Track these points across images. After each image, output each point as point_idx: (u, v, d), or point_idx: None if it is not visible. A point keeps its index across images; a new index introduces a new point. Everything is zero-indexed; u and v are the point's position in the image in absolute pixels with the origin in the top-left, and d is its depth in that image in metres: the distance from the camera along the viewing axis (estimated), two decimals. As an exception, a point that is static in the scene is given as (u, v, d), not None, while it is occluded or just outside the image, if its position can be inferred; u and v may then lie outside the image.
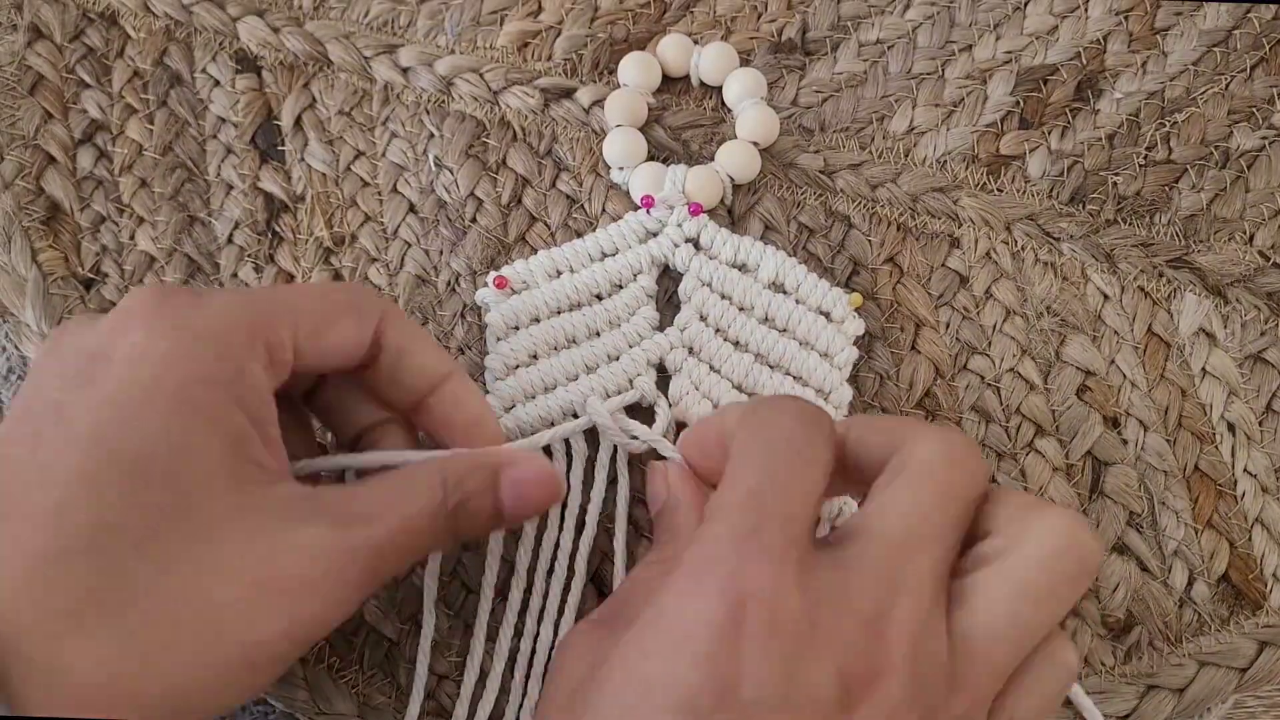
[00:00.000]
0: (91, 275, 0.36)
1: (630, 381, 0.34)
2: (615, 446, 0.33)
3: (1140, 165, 0.38)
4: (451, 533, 0.27)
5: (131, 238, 0.37)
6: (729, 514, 0.24)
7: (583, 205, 0.37)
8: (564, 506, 0.33)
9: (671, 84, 0.39)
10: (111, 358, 0.25)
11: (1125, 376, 0.35)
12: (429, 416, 0.30)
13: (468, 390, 0.30)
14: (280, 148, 0.38)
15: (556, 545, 0.32)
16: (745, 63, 0.38)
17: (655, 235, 0.36)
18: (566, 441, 0.33)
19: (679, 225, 0.36)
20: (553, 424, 0.33)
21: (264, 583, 0.24)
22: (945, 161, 0.37)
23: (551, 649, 0.31)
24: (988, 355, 0.35)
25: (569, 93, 0.38)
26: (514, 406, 0.33)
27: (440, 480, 0.27)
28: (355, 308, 0.28)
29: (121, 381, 0.24)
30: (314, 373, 0.29)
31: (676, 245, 0.35)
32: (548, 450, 0.33)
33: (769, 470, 0.24)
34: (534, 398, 0.33)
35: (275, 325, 0.26)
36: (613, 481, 0.34)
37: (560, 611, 0.32)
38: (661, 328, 0.35)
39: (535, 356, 0.34)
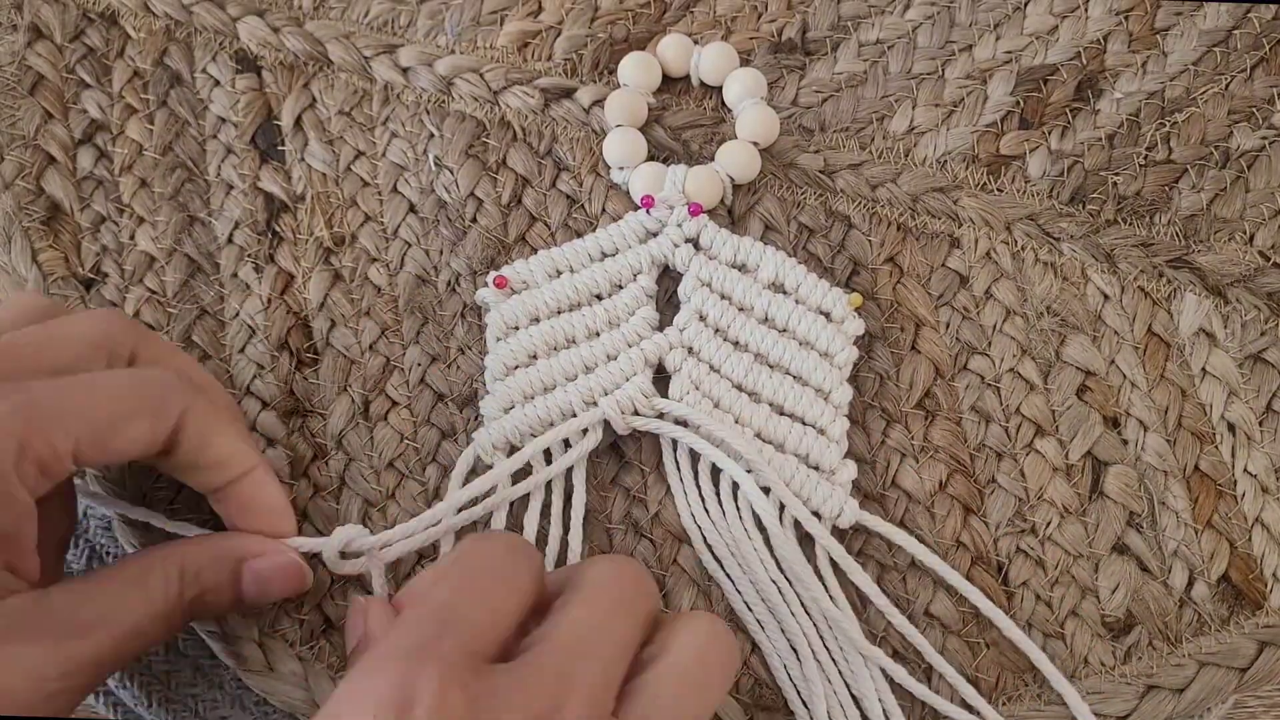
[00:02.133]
0: (92, 275, 0.36)
1: (596, 401, 0.33)
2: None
3: (1140, 165, 0.38)
4: (183, 622, 0.28)
5: (131, 238, 0.37)
6: (411, 623, 0.24)
7: (583, 205, 0.37)
8: (566, 506, 0.33)
9: (671, 84, 0.39)
10: None
11: (1125, 376, 0.35)
12: (226, 504, 0.30)
13: (266, 481, 0.30)
14: (280, 148, 0.38)
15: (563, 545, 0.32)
16: (745, 63, 0.38)
17: (655, 235, 0.36)
18: (565, 441, 0.33)
19: (679, 225, 0.36)
20: (551, 424, 0.33)
21: None
22: (945, 161, 0.37)
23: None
24: (988, 355, 0.35)
25: (569, 93, 0.38)
26: (512, 407, 0.33)
27: (177, 576, 0.28)
28: (151, 406, 0.27)
29: None
30: (105, 465, 0.28)
31: (676, 245, 0.35)
32: (548, 454, 0.33)
33: (462, 587, 0.25)
34: (532, 398, 0.33)
35: (50, 438, 0.25)
36: (612, 481, 0.34)
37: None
38: (661, 328, 0.35)
39: (535, 357, 0.34)
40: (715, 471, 0.33)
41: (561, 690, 0.23)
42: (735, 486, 0.33)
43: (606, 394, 0.33)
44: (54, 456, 0.26)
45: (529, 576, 0.26)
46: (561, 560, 0.33)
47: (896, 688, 0.32)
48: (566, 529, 0.33)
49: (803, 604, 0.32)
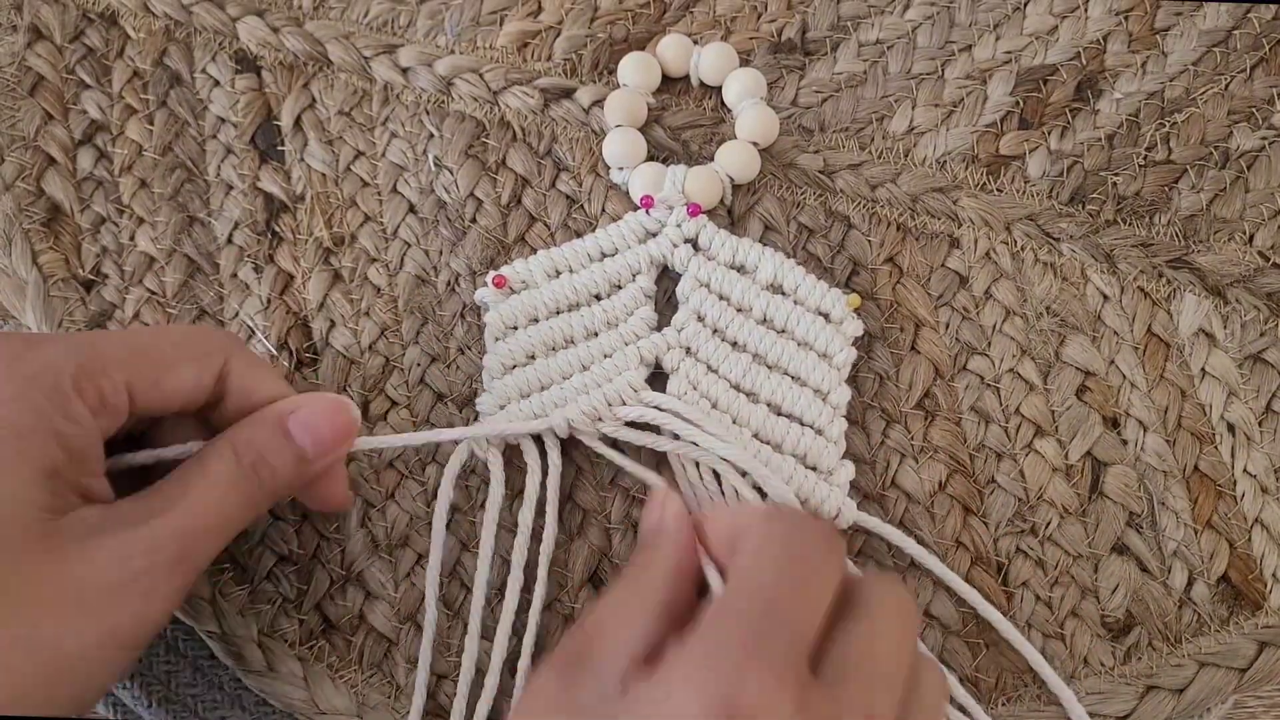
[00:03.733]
0: (92, 277, 0.36)
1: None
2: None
3: (1140, 165, 0.37)
4: (261, 493, 0.29)
5: (131, 238, 0.37)
6: (738, 616, 0.24)
7: (582, 205, 0.37)
8: (561, 506, 0.33)
9: (671, 84, 0.39)
10: None
11: (1125, 377, 0.35)
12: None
13: (317, 404, 0.30)
14: (280, 148, 0.38)
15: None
16: (745, 63, 0.38)
17: (654, 235, 0.36)
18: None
19: (678, 225, 0.36)
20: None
21: (71, 600, 0.25)
22: (945, 161, 0.37)
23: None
24: (987, 355, 0.35)
25: (569, 93, 0.38)
26: (508, 404, 0.33)
27: (229, 447, 0.28)
28: (197, 353, 0.29)
29: None
30: (158, 414, 0.29)
31: (675, 246, 0.35)
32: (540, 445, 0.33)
33: (785, 580, 0.25)
34: (529, 396, 0.33)
35: (108, 369, 0.27)
36: (611, 481, 0.34)
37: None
38: (660, 328, 0.35)
39: (533, 357, 0.34)
40: (716, 474, 0.33)
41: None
42: (735, 488, 0.33)
43: (600, 389, 0.33)
44: (112, 389, 0.27)
45: (838, 573, 0.26)
46: (560, 560, 0.33)
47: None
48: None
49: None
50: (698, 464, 0.33)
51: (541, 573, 0.32)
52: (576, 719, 0.24)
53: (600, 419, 0.33)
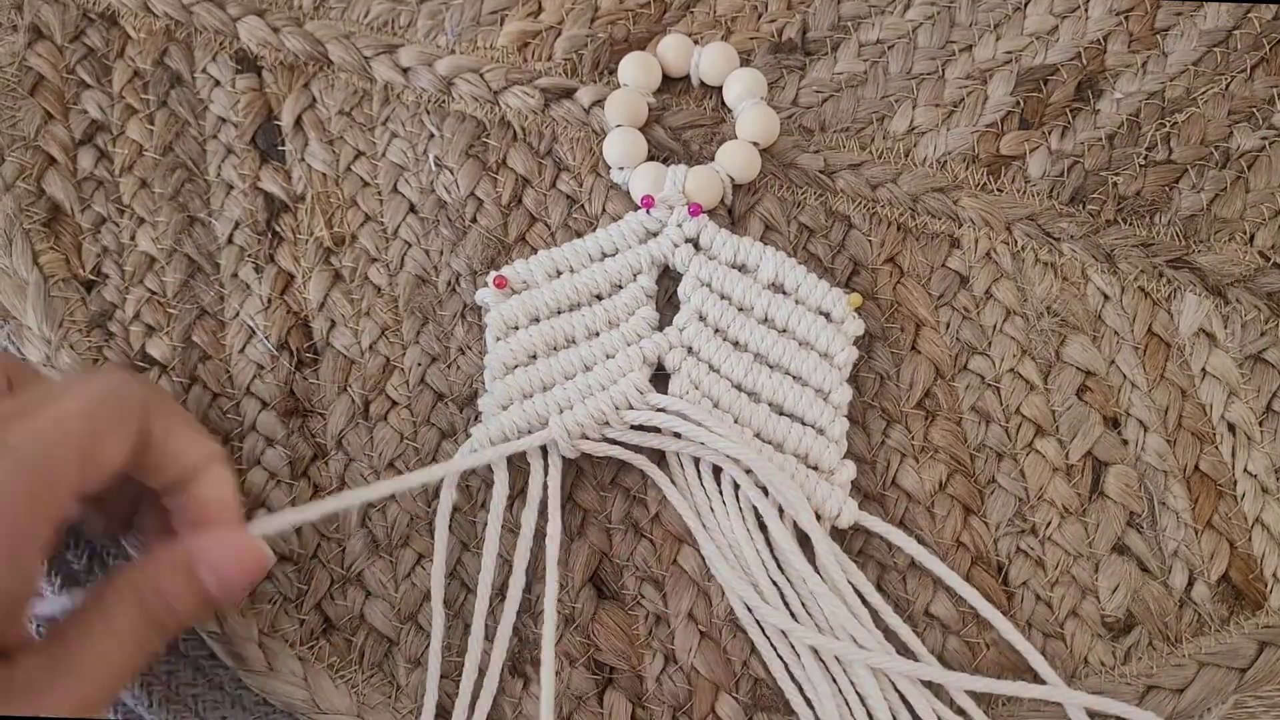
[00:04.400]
0: (92, 277, 0.36)
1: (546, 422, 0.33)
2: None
3: (1140, 165, 0.37)
4: (159, 637, 0.28)
5: (132, 238, 0.37)
6: None
7: (583, 205, 0.37)
8: (564, 508, 0.33)
9: (671, 84, 0.39)
10: None
11: (1125, 377, 0.35)
12: (182, 498, 0.29)
13: (219, 481, 0.29)
14: (280, 148, 0.38)
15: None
16: (745, 63, 0.38)
17: (655, 235, 0.36)
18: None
19: (679, 225, 0.36)
20: (547, 423, 0.33)
21: None
22: (945, 161, 0.37)
23: (551, 648, 0.31)
24: (988, 355, 0.35)
25: (569, 93, 0.38)
26: (510, 405, 0.33)
27: (133, 596, 0.27)
28: (121, 414, 0.27)
29: None
30: (96, 487, 0.28)
31: (676, 245, 0.35)
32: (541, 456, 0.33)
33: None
34: (530, 396, 0.33)
35: (54, 489, 0.26)
36: (612, 481, 0.34)
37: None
38: (661, 328, 0.35)
39: (534, 356, 0.34)
40: (716, 472, 0.33)
41: None
42: (736, 486, 0.33)
43: (604, 390, 0.33)
44: (57, 503, 0.26)
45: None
46: (562, 560, 0.33)
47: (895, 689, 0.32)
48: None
49: (803, 604, 0.32)
50: (696, 463, 0.33)
51: (550, 574, 0.32)
52: None
53: (607, 423, 0.33)
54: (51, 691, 0.26)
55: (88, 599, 0.28)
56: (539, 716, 0.31)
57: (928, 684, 0.32)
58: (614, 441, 0.33)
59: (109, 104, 0.38)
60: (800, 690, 0.31)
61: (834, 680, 0.31)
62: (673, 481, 0.33)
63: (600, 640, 0.32)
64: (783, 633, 0.32)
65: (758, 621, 0.32)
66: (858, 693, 0.31)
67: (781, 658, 0.32)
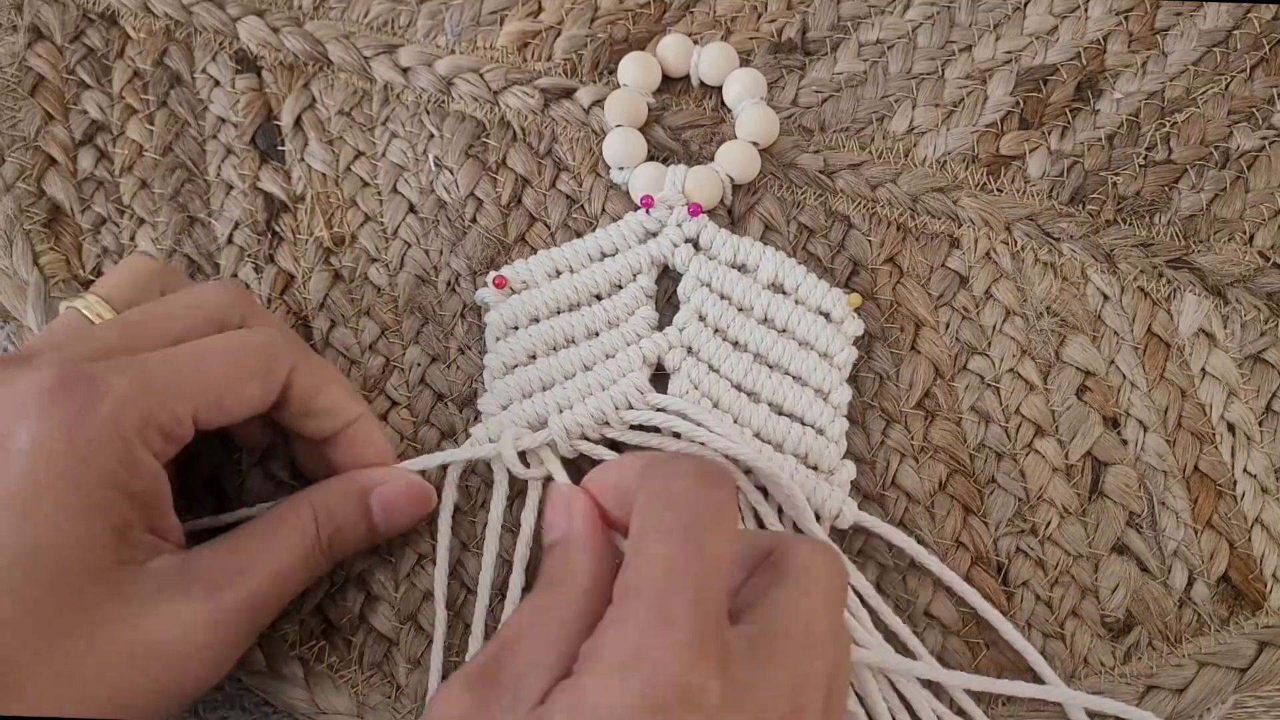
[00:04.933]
0: (92, 277, 0.36)
1: (545, 421, 0.33)
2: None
3: (1140, 165, 0.37)
4: (326, 559, 0.30)
5: (132, 239, 0.37)
6: (643, 598, 0.23)
7: (583, 205, 0.37)
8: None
9: (671, 84, 0.39)
10: (7, 448, 0.26)
11: (1125, 377, 0.35)
12: (337, 449, 0.31)
13: (372, 430, 0.32)
14: (280, 148, 0.38)
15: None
16: (745, 63, 0.38)
17: (655, 235, 0.36)
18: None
19: (679, 225, 0.36)
20: (546, 423, 0.33)
21: (138, 659, 0.26)
22: (945, 161, 0.37)
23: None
24: (988, 355, 0.35)
25: (569, 93, 0.38)
26: (510, 404, 0.33)
27: (311, 517, 0.29)
28: (262, 369, 0.29)
29: (16, 476, 0.25)
30: (221, 425, 0.29)
31: (676, 245, 0.35)
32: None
33: (679, 544, 0.23)
34: (530, 396, 0.33)
35: (173, 407, 0.27)
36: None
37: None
38: (661, 328, 0.35)
39: (534, 356, 0.34)
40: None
41: (798, 693, 0.23)
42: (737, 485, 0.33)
43: (604, 389, 0.33)
44: (175, 421, 0.27)
45: (732, 509, 0.25)
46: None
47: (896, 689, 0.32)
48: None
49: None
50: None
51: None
52: None
53: (607, 423, 0.33)
54: (229, 586, 0.27)
55: (267, 512, 0.30)
56: None
57: (927, 684, 0.32)
58: (614, 443, 0.33)
59: (109, 104, 0.38)
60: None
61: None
62: None
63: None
64: None
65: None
66: (857, 694, 0.31)
67: None
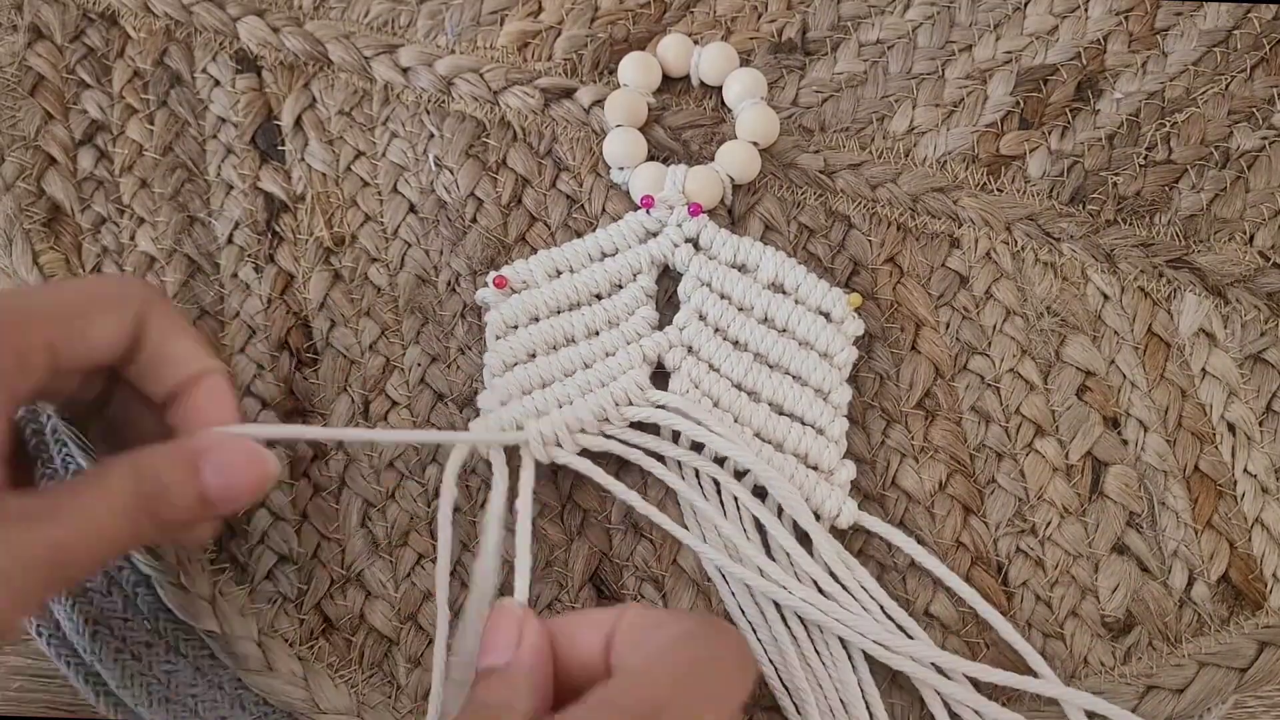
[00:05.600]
0: (92, 275, 0.36)
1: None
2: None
3: (1140, 165, 0.38)
4: (152, 525, 0.27)
5: (132, 238, 0.37)
6: (620, 714, 0.22)
7: (583, 205, 0.37)
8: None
9: (671, 84, 0.39)
10: None
11: (1125, 377, 0.35)
12: (178, 410, 0.29)
13: (223, 387, 0.29)
14: (280, 148, 0.38)
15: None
16: (745, 63, 0.38)
17: (655, 235, 0.36)
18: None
19: (679, 225, 0.36)
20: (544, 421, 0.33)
21: None
22: (945, 161, 0.37)
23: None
24: (988, 355, 0.35)
25: (569, 93, 0.38)
26: (509, 401, 0.33)
27: (131, 473, 0.27)
28: (115, 302, 0.28)
29: None
30: (75, 369, 0.28)
31: (676, 245, 0.35)
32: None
33: (681, 691, 0.23)
34: (530, 393, 0.33)
35: (26, 332, 0.26)
36: (623, 467, 0.34)
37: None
38: (661, 327, 0.35)
39: (534, 355, 0.34)
40: (715, 484, 0.33)
41: None
42: (735, 497, 0.33)
43: (604, 386, 0.33)
44: (33, 350, 0.26)
45: (745, 690, 0.24)
46: (561, 559, 0.33)
47: (901, 688, 0.32)
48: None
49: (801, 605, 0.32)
50: (697, 472, 0.33)
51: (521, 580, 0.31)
52: None
53: (607, 419, 0.33)
54: (24, 527, 0.25)
55: (87, 469, 0.28)
56: None
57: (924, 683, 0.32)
58: (592, 456, 0.33)
59: (109, 104, 0.38)
60: (790, 694, 0.31)
61: (819, 686, 0.31)
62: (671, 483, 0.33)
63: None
64: (783, 636, 0.32)
65: (750, 624, 0.32)
66: (842, 699, 0.31)
67: (771, 661, 0.32)
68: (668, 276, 0.36)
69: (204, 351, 0.29)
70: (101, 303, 0.28)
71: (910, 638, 0.32)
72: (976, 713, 0.31)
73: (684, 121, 0.38)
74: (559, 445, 0.32)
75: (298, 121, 0.38)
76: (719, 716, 0.23)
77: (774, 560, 0.32)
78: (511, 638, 0.25)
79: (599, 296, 0.35)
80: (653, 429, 0.33)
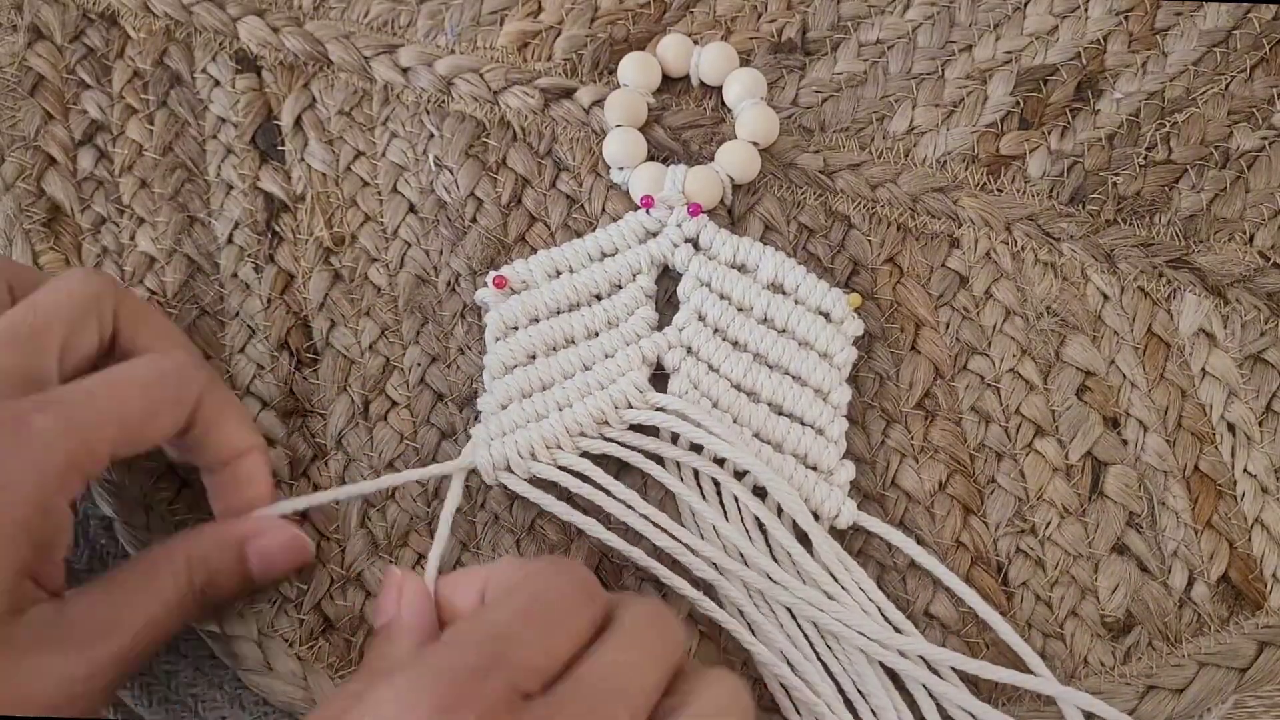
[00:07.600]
0: (92, 275, 0.36)
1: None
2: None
3: (1140, 165, 0.37)
4: (201, 610, 0.29)
5: (132, 238, 0.37)
6: (466, 646, 0.24)
7: (583, 205, 0.37)
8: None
9: (671, 84, 0.39)
10: None
11: (1125, 377, 0.35)
12: (216, 481, 0.31)
13: (260, 466, 0.31)
14: (280, 148, 0.38)
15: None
16: (745, 63, 0.38)
17: (655, 235, 0.36)
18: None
19: (679, 225, 0.36)
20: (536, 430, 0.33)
21: (14, 710, 0.25)
22: (945, 161, 0.37)
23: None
24: (988, 355, 0.35)
25: (569, 93, 0.38)
26: (509, 404, 0.33)
27: (185, 567, 0.29)
28: (175, 398, 0.29)
29: None
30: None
31: (676, 245, 0.35)
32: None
33: (525, 619, 0.25)
34: (530, 396, 0.33)
35: (93, 447, 0.27)
36: (624, 468, 0.34)
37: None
38: (660, 328, 0.35)
39: (533, 356, 0.34)
40: (716, 486, 0.33)
41: None
42: (736, 498, 0.33)
43: (603, 388, 0.33)
44: (94, 461, 0.27)
45: (590, 621, 0.26)
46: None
47: (900, 689, 0.32)
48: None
49: (801, 605, 0.32)
50: (696, 473, 0.33)
51: None
52: None
53: (606, 421, 0.33)
54: (103, 640, 0.27)
55: (141, 559, 0.29)
56: None
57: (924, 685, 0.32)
58: (582, 475, 0.33)
59: (109, 104, 0.38)
60: (788, 693, 0.31)
61: (825, 681, 0.31)
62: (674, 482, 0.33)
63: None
64: (787, 636, 0.32)
65: (751, 628, 0.32)
66: (859, 690, 0.31)
67: (772, 662, 0.32)
68: (667, 277, 0.36)
69: (248, 429, 0.31)
70: (163, 401, 0.29)
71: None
72: (970, 714, 0.31)
73: (684, 121, 0.38)
74: (509, 470, 0.33)
75: (298, 121, 0.38)
76: (567, 636, 0.25)
77: (776, 561, 0.32)
78: (393, 598, 0.28)
79: (599, 297, 0.35)
80: (652, 429, 0.33)
